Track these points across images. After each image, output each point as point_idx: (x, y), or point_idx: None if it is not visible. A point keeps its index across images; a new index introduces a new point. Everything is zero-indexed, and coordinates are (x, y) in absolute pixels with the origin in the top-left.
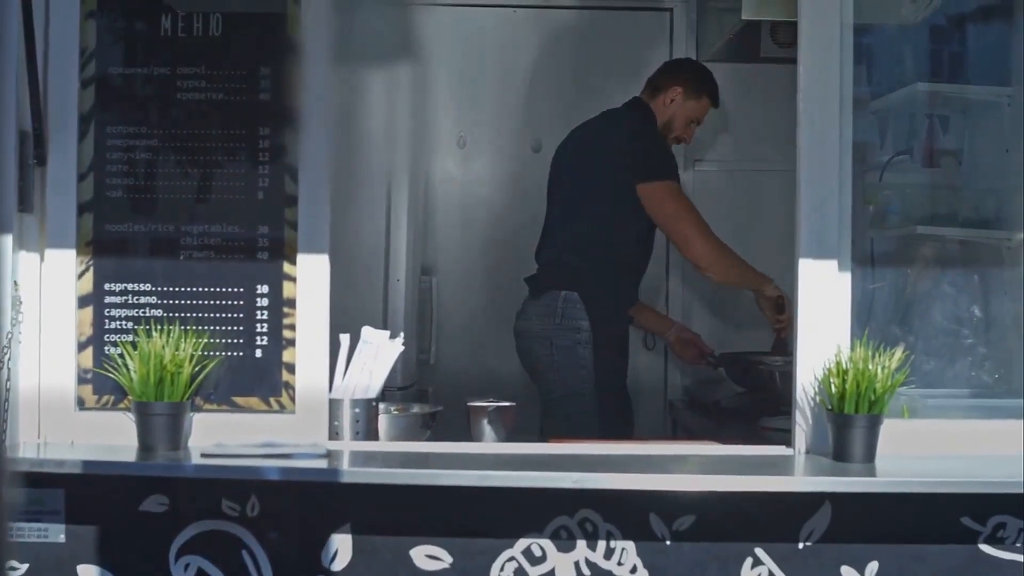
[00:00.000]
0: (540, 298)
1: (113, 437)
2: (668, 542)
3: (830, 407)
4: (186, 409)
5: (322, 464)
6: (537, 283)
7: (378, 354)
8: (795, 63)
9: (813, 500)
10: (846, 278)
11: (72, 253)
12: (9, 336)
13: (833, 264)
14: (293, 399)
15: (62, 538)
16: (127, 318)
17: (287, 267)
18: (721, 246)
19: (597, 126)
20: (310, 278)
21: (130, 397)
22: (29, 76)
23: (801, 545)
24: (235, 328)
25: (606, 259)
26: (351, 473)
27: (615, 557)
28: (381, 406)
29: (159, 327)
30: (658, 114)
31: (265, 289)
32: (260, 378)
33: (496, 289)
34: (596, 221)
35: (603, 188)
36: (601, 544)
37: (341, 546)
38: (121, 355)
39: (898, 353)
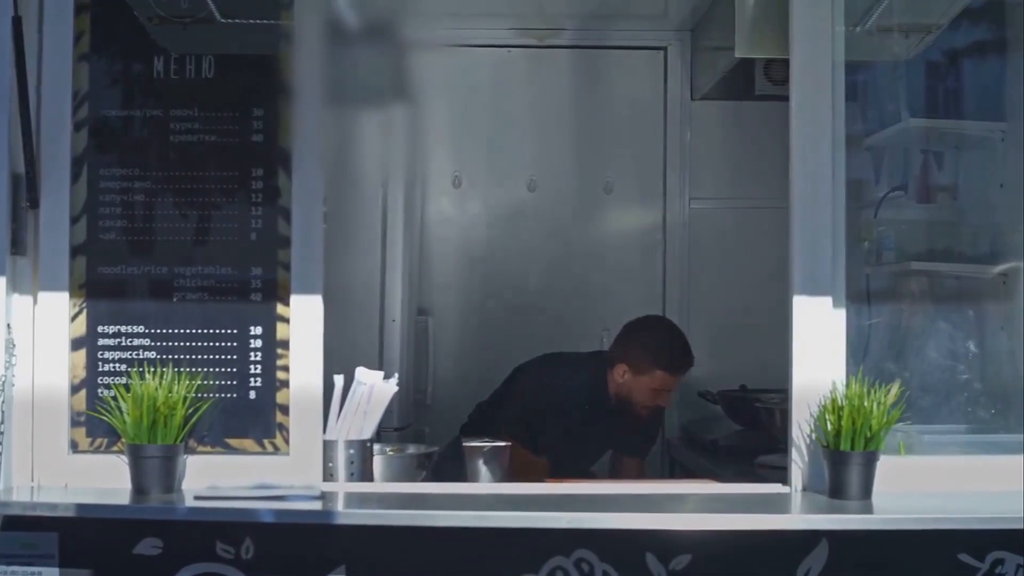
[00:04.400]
0: None
1: (107, 480)
2: None
3: (826, 444)
4: (179, 451)
5: (316, 506)
6: None
7: (372, 395)
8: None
9: (810, 538)
10: (841, 314)
11: (65, 295)
12: (2, 379)
13: (827, 300)
14: (287, 440)
15: None
16: (120, 360)
17: (280, 308)
18: None
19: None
20: (303, 319)
21: (123, 440)
22: (22, 119)
23: None
24: (228, 370)
25: None
26: (346, 515)
27: None
28: (376, 447)
29: (152, 369)
30: (611, 383)
31: (259, 330)
32: (254, 420)
33: (493, 329)
34: None
35: None
36: None
37: None
38: (114, 397)
39: (894, 389)
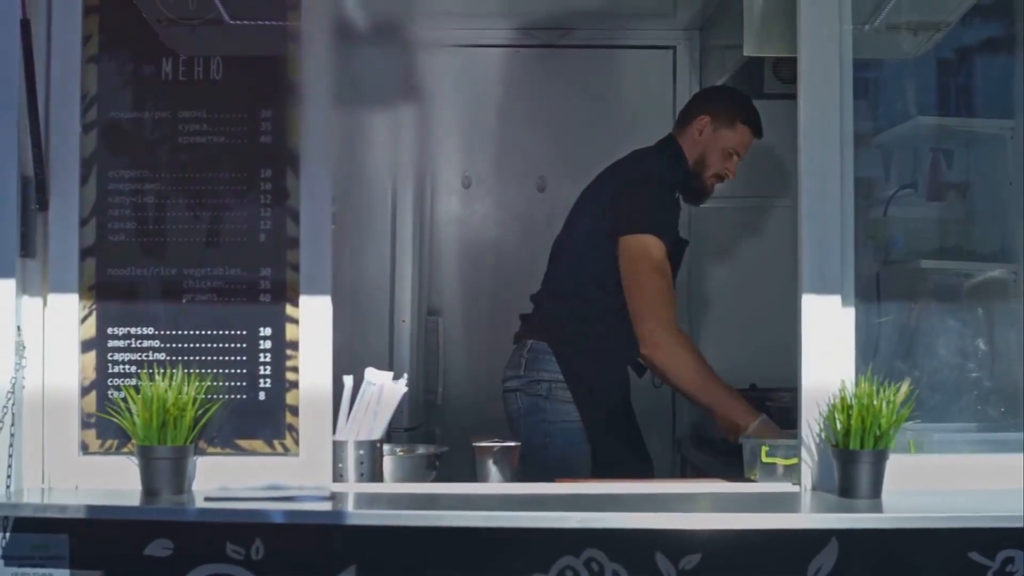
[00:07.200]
0: (514, 348)
1: (117, 481)
2: None
3: (835, 443)
4: (189, 452)
5: (326, 506)
6: (517, 333)
7: (382, 395)
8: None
9: (820, 537)
10: (849, 313)
11: (75, 297)
12: (13, 381)
13: (836, 299)
14: (297, 441)
15: None
16: (130, 362)
17: (290, 309)
18: (679, 338)
19: (616, 168)
20: (313, 320)
21: (133, 441)
22: (31, 121)
23: None
24: (238, 371)
25: (583, 311)
26: (356, 515)
27: None
28: (386, 447)
29: (162, 371)
30: (688, 150)
31: (268, 331)
32: (263, 421)
33: (503, 329)
34: (576, 270)
35: (589, 236)
36: None
37: None
38: (124, 399)
39: (903, 388)
